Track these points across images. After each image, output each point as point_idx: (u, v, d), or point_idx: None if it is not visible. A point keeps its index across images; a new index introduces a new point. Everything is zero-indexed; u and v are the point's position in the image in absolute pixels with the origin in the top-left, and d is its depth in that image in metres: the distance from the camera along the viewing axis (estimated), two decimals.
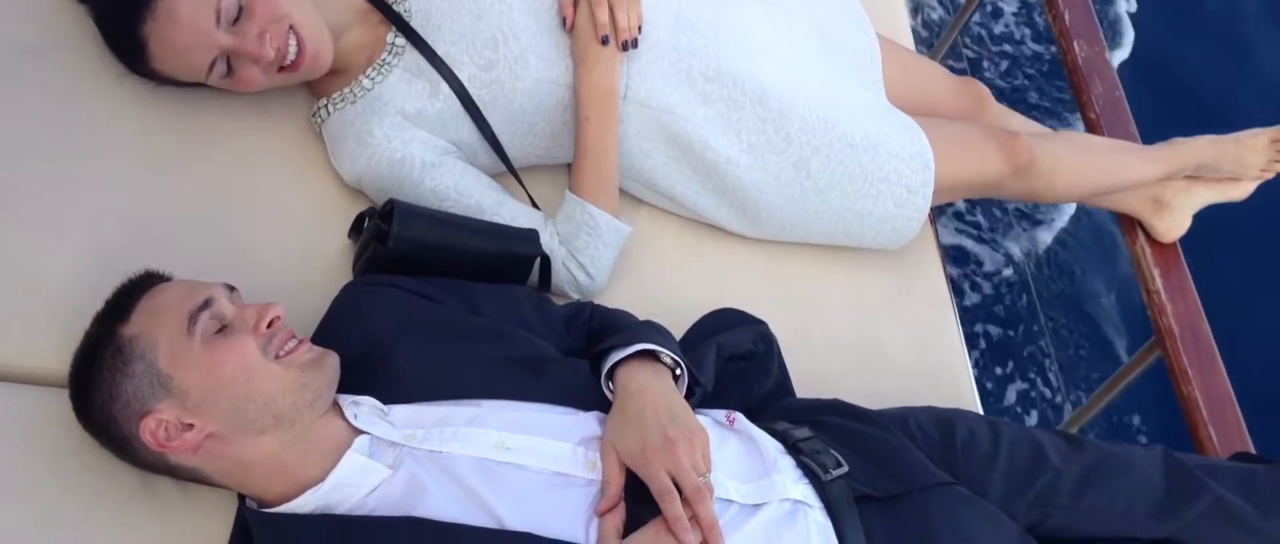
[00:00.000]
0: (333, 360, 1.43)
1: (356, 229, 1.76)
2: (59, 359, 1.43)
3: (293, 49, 1.70)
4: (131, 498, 1.45)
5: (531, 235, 1.76)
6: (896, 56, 2.19)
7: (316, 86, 1.85)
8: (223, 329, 1.38)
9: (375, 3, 1.83)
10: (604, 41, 1.82)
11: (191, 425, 1.35)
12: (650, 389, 1.47)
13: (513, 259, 1.75)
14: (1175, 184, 2.26)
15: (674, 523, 1.34)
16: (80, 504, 1.44)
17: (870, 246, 2.07)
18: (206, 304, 1.37)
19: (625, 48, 1.84)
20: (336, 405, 1.45)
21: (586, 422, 1.49)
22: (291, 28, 1.69)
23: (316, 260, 1.77)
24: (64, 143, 1.75)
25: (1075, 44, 2.47)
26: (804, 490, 1.50)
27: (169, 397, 1.34)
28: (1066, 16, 2.50)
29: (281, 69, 1.72)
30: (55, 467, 1.44)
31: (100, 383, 1.36)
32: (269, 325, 1.40)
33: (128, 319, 1.37)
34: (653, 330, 1.59)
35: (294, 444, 1.39)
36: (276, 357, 1.39)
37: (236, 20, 1.66)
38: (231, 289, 1.44)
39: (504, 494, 1.38)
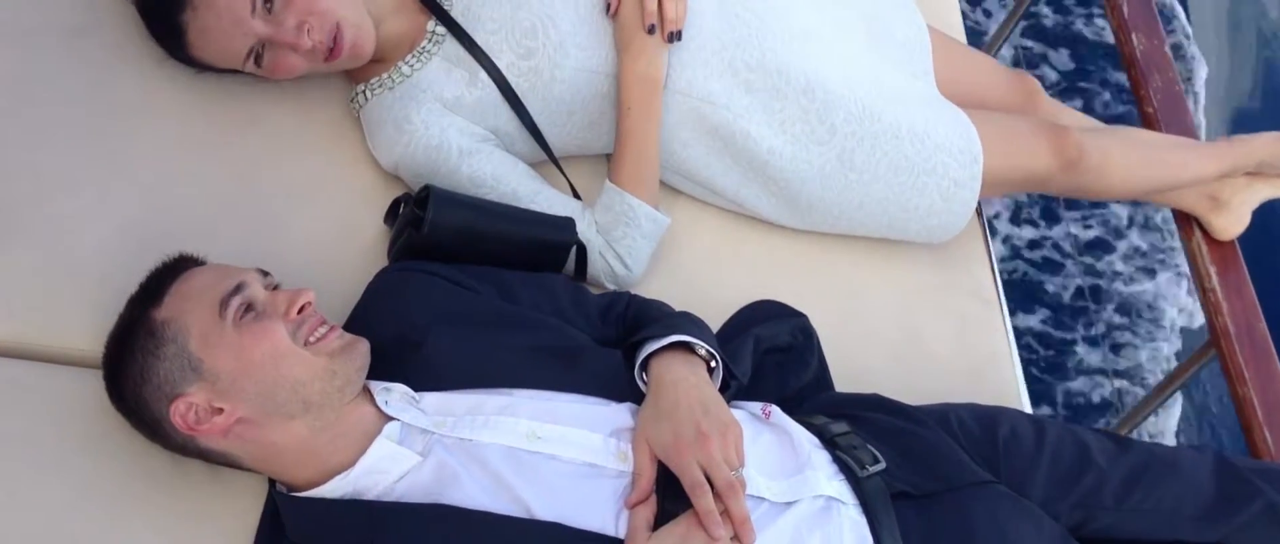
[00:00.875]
0: (362, 347, 1.43)
1: (392, 214, 1.75)
2: (94, 340, 1.43)
3: (334, 40, 1.70)
4: (162, 479, 1.46)
5: (568, 223, 1.75)
6: (946, 48, 2.15)
7: (355, 72, 1.85)
8: (254, 313, 1.38)
9: None
10: (650, 31, 1.80)
11: (221, 409, 1.35)
12: (684, 382, 1.46)
13: (548, 247, 1.74)
14: (1234, 181, 2.20)
15: (705, 517, 1.33)
16: (112, 484, 1.45)
17: (915, 240, 2.03)
18: (238, 289, 1.38)
19: (671, 39, 1.82)
20: (367, 391, 1.44)
21: (619, 413, 1.48)
22: (336, 24, 1.69)
23: (352, 245, 1.77)
24: (103, 124, 1.76)
25: (1134, 36, 2.42)
26: (838, 487, 1.48)
27: (200, 380, 1.35)
28: (1125, 9, 2.44)
29: (323, 59, 1.71)
30: (88, 447, 1.45)
31: (132, 365, 1.37)
32: (300, 311, 1.40)
33: (160, 303, 1.38)
34: (688, 322, 1.58)
35: (324, 430, 1.39)
36: (306, 343, 1.39)
37: (271, 8, 1.66)
38: (265, 274, 1.45)
39: (534, 484, 1.37)
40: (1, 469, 1.44)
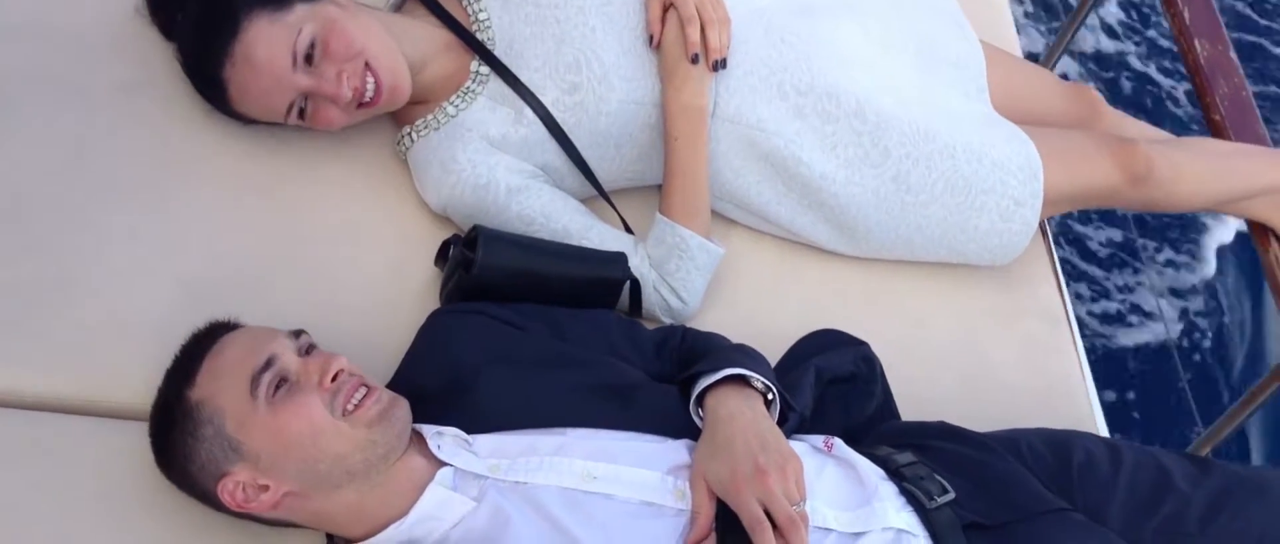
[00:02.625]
0: (401, 410, 1.40)
1: (442, 256, 1.75)
2: (149, 393, 1.43)
3: (370, 86, 1.70)
4: (222, 535, 1.44)
5: (619, 259, 1.73)
6: (1001, 64, 2.11)
7: (401, 115, 1.85)
8: (288, 387, 1.35)
9: (459, 32, 1.82)
10: (694, 60, 1.79)
11: (267, 487, 1.35)
12: (740, 416, 1.43)
13: (601, 283, 1.72)
14: None
15: None
16: (172, 540, 1.44)
17: (976, 263, 1.99)
18: (268, 364, 1.34)
19: (715, 68, 1.80)
20: (419, 437, 1.43)
21: (675, 449, 1.46)
22: (367, 64, 1.69)
23: (404, 289, 1.76)
24: (158, 178, 1.78)
25: (1197, 43, 2.35)
26: (907, 519, 1.45)
27: (241, 460, 1.34)
28: (1186, 14, 2.38)
29: (361, 105, 1.72)
30: (149, 503, 1.44)
31: (175, 445, 1.36)
32: (334, 379, 1.36)
33: (193, 382, 1.36)
34: (744, 355, 1.55)
35: (373, 490, 1.38)
36: (344, 412, 1.35)
37: (312, 60, 1.66)
38: (297, 336, 1.41)
39: (590, 525, 1.35)
40: (65, 526, 1.44)
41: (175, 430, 1.36)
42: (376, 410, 1.37)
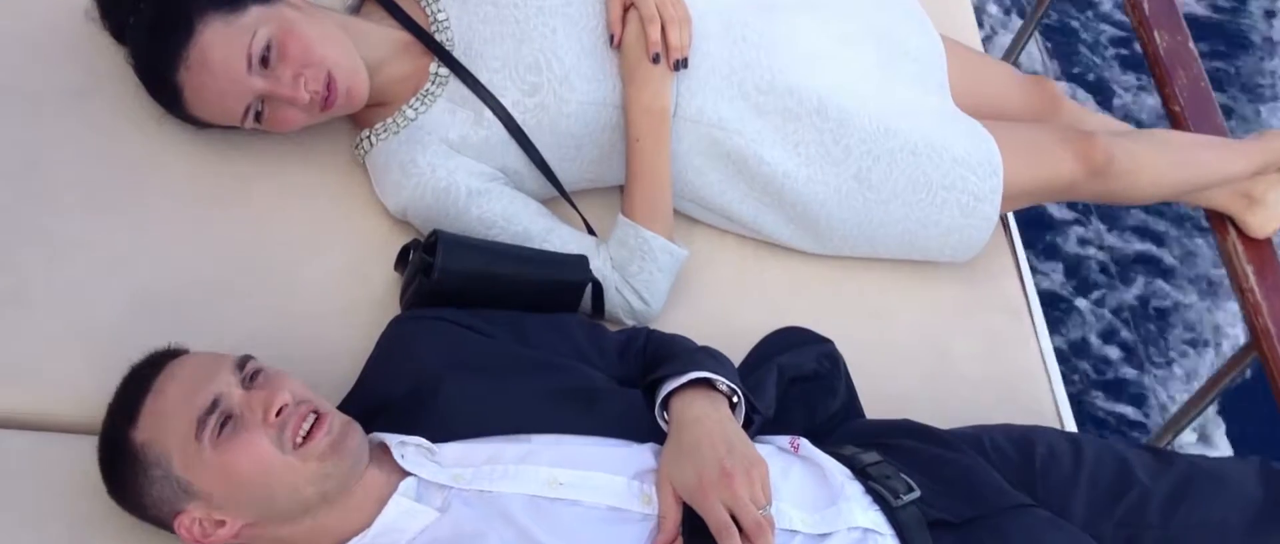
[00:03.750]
0: (353, 441, 1.35)
1: (402, 261, 1.73)
2: (103, 407, 1.40)
3: (324, 89, 1.67)
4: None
5: (581, 261, 1.72)
6: (961, 58, 2.11)
7: (358, 117, 1.83)
8: (233, 424, 1.31)
9: (417, 34, 1.80)
10: (655, 60, 1.77)
11: (223, 522, 1.33)
12: (706, 419, 1.43)
13: (563, 286, 1.71)
14: (1267, 178, 2.15)
15: None
16: None
17: (938, 259, 2.00)
18: (213, 406, 1.30)
19: (677, 67, 1.79)
20: (382, 446, 1.41)
21: (641, 454, 1.45)
22: (329, 72, 1.67)
23: (363, 294, 1.74)
24: (107, 183, 1.75)
25: (1156, 34, 2.36)
26: (874, 517, 1.45)
27: (194, 499, 1.32)
28: (1145, 6, 2.39)
29: (320, 109, 1.69)
30: (109, 519, 1.41)
31: (126, 483, 1.34)
32: (279, 413, 1.32)
33: (136, 423, 1.32)
34: (709, 357, 1.54)
35: (333, 510, 1.36)
36: (294, 445, 1.31)
37: (268, 63, 1.64)
38: (242, 366, 1.36)
39: (557, 532, 1.34)
40: (23, 541, 1.42)
41: (124, 470, 1.34)
42: (327, 443, 1.33)
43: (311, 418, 1.34)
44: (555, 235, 1.77)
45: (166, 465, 1.31)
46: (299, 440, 1.32)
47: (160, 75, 1.67)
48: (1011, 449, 1.61)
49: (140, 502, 1.34)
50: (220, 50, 1.62)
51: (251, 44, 1.62)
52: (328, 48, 1.67)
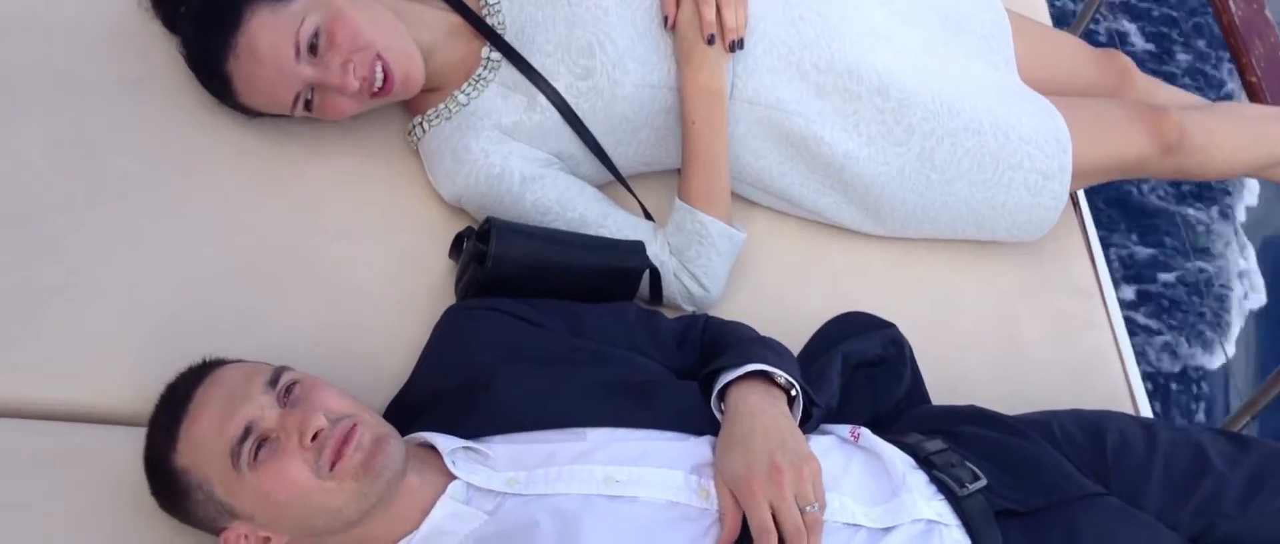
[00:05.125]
0: (385, 457, 1.31)
1: (457, 249, 1.71)
2: (155, 397, 1.39)
3: (379, 76, 1.66)
4: None
5: (638, 247, 1.70)
6: (1028, 32, 2.06)
7: (411, 104, 1.81)
8: (269, 447, 1.29)
9: (469, 18, 1.79)
10: (710, 41, 1.74)
11: (269, 539, 1.33)
12: (762, 413, 1.40)
13: (619, 273, 1.69)
14: None
15: None
16: None
17: (1005, 240, 1.95)
18: (246, 433, 1.28)
19: (732, 48, 1.76)
20: (432, 449, 1.39)
21: (698, 447, 1.42)
22: (377, 55, 1.65)
23: (419, 283, 1.73)
24: (165, 175, 1.75)
25: (1231, 3, 2.29)
26: (939, 508, 1.42)
27: (237, 518, 1.32)
28: None
29: (372, 95, 1.68)
30: (154, 511, 1.40)
31: (172, 501, 1.34)
32: (314, 438, 1.29)
33: (175, 448, 1.32)
34: (768, 349, 1.51)
35: (377, 520, 1.34)
36: (331, 467, 1.29)
37: (317, 51, 1.63)
38: (275, 381, 1.34)
39: (613, 531, 1.32)
40: (73, 538, 1.43)
41: (167, 490, 1.33)
42: (358, 459, 1.29)
43: (344, 438, 1.31)
44: (611, 220, 1.74)
45: (209, 489, 1.30)
46: (335, 462, 1.30)
47: (209, 65, 1.66)
48: (1082, 436, 1.57)
49: (188, 519, 1.35)
50: (268, 38, 1.61)
51: (299, 31, 1.61)
52: (377, 32, 1.66)
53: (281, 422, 1.30)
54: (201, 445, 1.30)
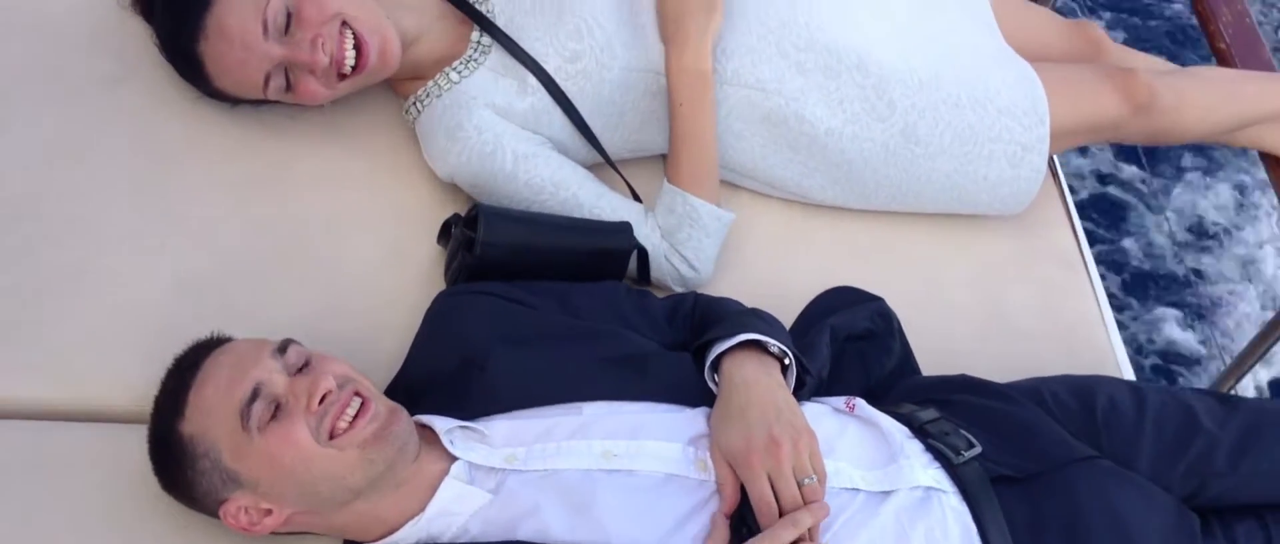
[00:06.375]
0: (398, 428, 1.34)
1: (444, 235, 1.72)
2: (152, 396, 1.39)
3: (350, 53, 1.65)
4: (232, 537, 1.40)
5: (624, 229, 1.70)
6: (1003, 4, 2.07)
7: (402, 87, 1.81)
8: (277, 413, 1.30)
9: (461, 6, 1.78)
10: None
11: (271, 511, 1.32)
12: (757, 383, 1.41)
13: (608, 254, 1.69)
14: None
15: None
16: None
17: (987, 213, 1.97)
18: (255, 394, 1.29)
19: None
20: (432, 431, 1.40)
21: (694, 419, 1.43)
22: (344, 24, 1.64)
23: (408, 270, 1.73)
24: (150, 172, 1.75)
25: None
26: (936, 475, 1.43)
27: (241, 487, 1.31)
28: None
29: (343, 76, 1.67)
30: (160, 509, 1.41)
31: (175, 475, 1.34)
32: (322, 401, 1.30)
33: (183, 415, 1.31)
34: (759, 319, 1.52)
35: (383, 496, 1.35)
36: (332, 435, 1.30)
37: (287, 29, 1.62)
38: (283, 351, 1.34)
39: (613, 504, 1.33)
40: (72, 538, 1.42)
41: (173, 462, 1.33)
42: (371, 430, 1.31)
43: (356, 403, 1.32)
44: (604, 201, 1.75)
45: (216, 456, 1.30)
46: (342, 427, 1.30)
47: (182, 48, 1.66)
48: (1072, 401, 1.59)
49: (191, 493, 1.34)
50: (236, 17, 1.61)
51: (267, 10, 1.61)
52: (345, 5, 1.65)
53: (290, 387, 1.31)
54: (211, 409, 1.30)
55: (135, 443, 1.39)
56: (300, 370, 1.33)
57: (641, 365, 1.48)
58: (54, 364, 1.57)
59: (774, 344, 1.46)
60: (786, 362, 1.47)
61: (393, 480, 1.33)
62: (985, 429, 1.49)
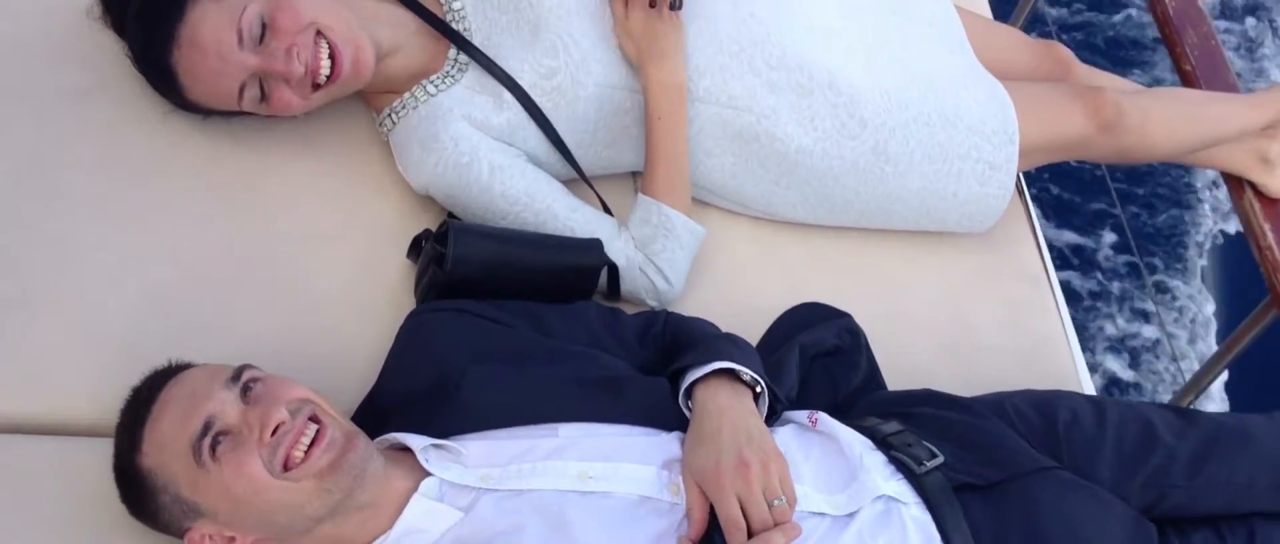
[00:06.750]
0: (355, 455, 1.32)
1: (415, 250, 1.72)
2: (116, 407, 1.39)
3: (325, 62, 1.65)
4: None
5: (595, 245, 1.71)
6: (971, 26, 2.09)
7: (377, 100, 1.82)
8: (229, 440, 1.29)
9: (433, 22, 1.79)
10: (651, 4, 1.76)
11: (233, 539, 1.32)
12: (731, 410, 1.42)
13: (578, 271, 1.70)
14: None
15: None
16: None
17: (955, 230, 1.99)
18: (206, 429, 1.28)
19: (674, 7, 1.77)
20: (404, 448, 1.40)
21: (669, 443, 1.44)
22: (319, 34, 1.64)
23: (378, 287, 1.73)
24: (118, 185, 1.74)
25: None
26: (897, 486, 1.44)
27: (202, 517, 1.31)
28: None
29: (317, 86, 1.66)
30: (119, 522, 1.40)
31: (139, 504, 1.34)
32: (275, 432, 1.29)
33: (141, 450, 1.32)
34: (732, 346, 1.52)
35: (350, 517, 1.34)
36: (284, 467, 1.29)
37: (262, 39, 1.62)
38: (237, 378, 1.33)
39: (588, 525, 1.33)
40: None
41: (135, 493, 1.33)
42: (326, 461, 1.30)
43: (312, 430, 1.31)
44: (579, 215, 1.75)
45: (175, 489, 1.30)
46: (299, 457, 1.30)
47: (155, 59, 1.65)
48: (1034, 414, 1.60)
49: (156, 521, 1.34)
50: (210, 27, 1.60)
51: (242, 19, 1.60)
52: (320, 14, 1.64)
53: (243, 417, 1.30)
54: (165, 444, 1.30)
55: (99, 456, 1.39)
56: (250, 396, 1.33)
57: (618, 388, 1.49)
58: (18, 377, 1.56)
59: (747, 372, 1.46)
60: (758, 390, 1.48)
61: (354, 504, 1.33)
62: (948, 440, 1.51)
